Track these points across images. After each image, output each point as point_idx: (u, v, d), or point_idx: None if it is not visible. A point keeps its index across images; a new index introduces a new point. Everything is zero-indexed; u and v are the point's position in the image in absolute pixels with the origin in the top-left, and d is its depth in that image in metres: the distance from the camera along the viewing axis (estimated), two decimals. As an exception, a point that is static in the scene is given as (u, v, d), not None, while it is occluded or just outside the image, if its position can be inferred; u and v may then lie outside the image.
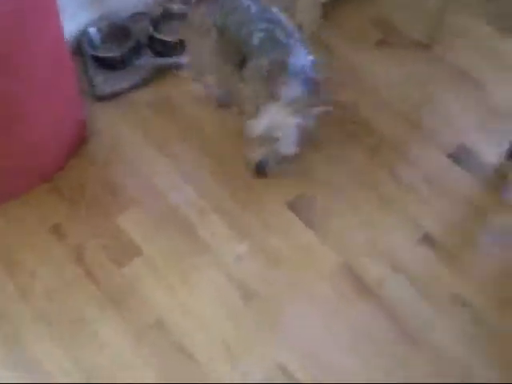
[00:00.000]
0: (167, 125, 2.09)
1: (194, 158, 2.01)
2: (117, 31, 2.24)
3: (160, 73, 2.20)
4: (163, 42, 2.20)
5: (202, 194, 1.93)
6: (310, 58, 1.78)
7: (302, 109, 1.77)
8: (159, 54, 2.21)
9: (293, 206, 1.91)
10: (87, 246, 1.83)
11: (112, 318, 1.70)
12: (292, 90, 1.72)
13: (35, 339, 1.67)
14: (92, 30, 2.22)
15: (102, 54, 2.19)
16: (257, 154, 1.92)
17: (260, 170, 1.96)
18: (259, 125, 1.77)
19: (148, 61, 2.19)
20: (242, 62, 1.82)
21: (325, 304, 1.74)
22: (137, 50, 2.21)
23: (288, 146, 1.85)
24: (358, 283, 1.77)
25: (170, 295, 1.74)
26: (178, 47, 2.17)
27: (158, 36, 2.20)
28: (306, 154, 1.99)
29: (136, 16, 2.29)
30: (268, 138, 1.82)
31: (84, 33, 2.21)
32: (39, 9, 1.65)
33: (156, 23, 2.22)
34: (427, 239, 1.85)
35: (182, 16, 2.09)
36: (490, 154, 2.01)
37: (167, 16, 2.26)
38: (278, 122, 1.77)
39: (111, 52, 2.19)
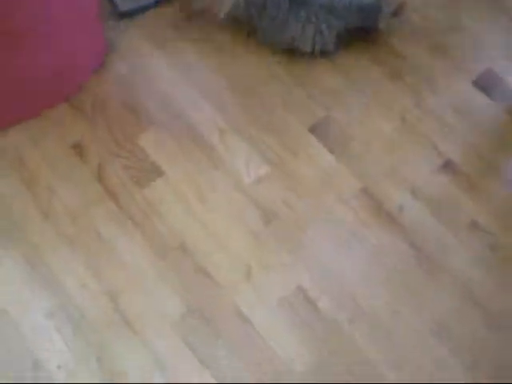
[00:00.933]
0: (188, 44, 2.06)
1: (215, 78, 1.99)
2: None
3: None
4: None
5: (223, 114, 1.92)
6: None
7: None
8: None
9: (314, 130, 1.89)
10: (108, 165, 1.83)
11: (133, 238, 1.72)
12: None
13: (56, 257, 1.69)
14: None
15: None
16: None
17: None
18: None
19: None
20: None
21: (344, 228, 1.75)
22: None
23: None
24: (378, 208, 1.77)
25: (191, 216, 1.75)
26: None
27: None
28: (328, 76, 1.98)
29: None
30: None
31: None
32: None
33: None
34: (449, 166, 1.84)
35: None
36: (517, 82, 1.98)
37: None
38: None
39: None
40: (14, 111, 1.90)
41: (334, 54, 2.01)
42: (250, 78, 1.99)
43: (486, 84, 1.97)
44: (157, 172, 1.82)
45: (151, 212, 1.76)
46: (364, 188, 1.80)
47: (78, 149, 1.86)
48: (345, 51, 2.02)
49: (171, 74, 1.99)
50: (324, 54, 2.00)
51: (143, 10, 2.10)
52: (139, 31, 2.08)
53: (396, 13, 1.97)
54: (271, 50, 2.03)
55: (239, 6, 1.95)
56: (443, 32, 2.07)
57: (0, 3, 1.59)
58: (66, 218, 1.75)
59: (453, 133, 1.89)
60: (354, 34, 1.98)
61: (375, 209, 1.77)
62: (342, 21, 1.93)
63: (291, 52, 2.01)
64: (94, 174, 1.82)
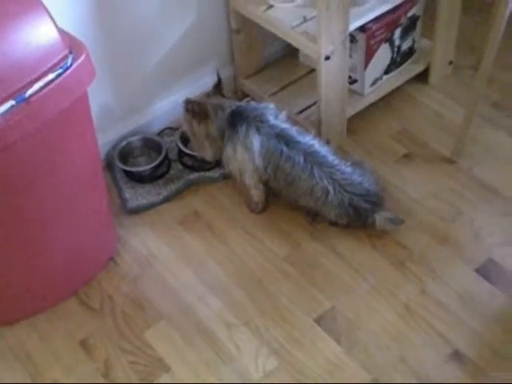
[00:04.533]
0: (196, 241, 2.13)
1: (222, 271, 2.03)
2: (147, 145, 2.31)
3: (191, 186, 2.25)
4: (192, 157, 2.25)
5: (231, 308, 1.94)
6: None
7: None
8: (190, 168, 2.27)
9: (319, 320, 1.90)
10: (115, 362, 1.83)
11: None
12: None
13: None
14: (123, 144, 2.28)
15: (132, 168, 2.25)
16: None
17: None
18: None
19: (178, 175, 2.25)
20: None
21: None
22: (167, 164, 2.27)
23: None
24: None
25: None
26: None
27: (187, 151, 2.26)
28: (329, 263, 2.02)
29: (166, 131, 2.37)
30: None
31: (115, 147, 2.28)
32: (75, 130, 1.72)
33: (185, 139, 2.27)
34: (456, 356, 1.82)
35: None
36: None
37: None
38: None
39: (141, 166, 2.26)
40: (23, 306, 1.93)
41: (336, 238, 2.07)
42: (256, 269, 2.03)
43: (488, 272, 1.99)
44: (163, 368, 1.81)
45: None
46: (374, 379, 1.78)
47: (86, 345, 1.87)
48: (344, 237, 2.08)
49: (179, 269, 2.04)
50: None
51: (151, 206, 2.19)
52: (147, 227, 2.15)
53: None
54: (277, 237, 2.10)
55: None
56: (444, 221, 2.13)
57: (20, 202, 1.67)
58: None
59: (458, 321, 1.89)
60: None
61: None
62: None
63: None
64: (100, 370, 1.82)
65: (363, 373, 1.79)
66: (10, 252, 1.77)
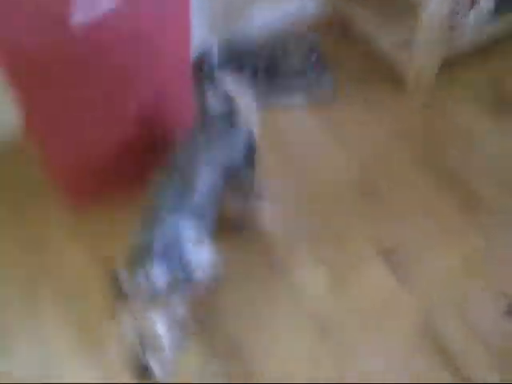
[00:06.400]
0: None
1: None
2: (235, 56, 2.30)
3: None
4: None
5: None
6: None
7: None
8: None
9: (381, 252, 1.90)
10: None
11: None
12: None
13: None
14: (213, 51, 2.27)
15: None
16: None
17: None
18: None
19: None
20: None
21: (396, 356, 1.73)
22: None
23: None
24: (435, 344, 1.74)
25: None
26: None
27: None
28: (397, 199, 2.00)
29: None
30: None
31: (204, 53, 2.27)
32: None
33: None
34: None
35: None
36: None
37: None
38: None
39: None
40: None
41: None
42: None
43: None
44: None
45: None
46: (424, 321, 1.78)
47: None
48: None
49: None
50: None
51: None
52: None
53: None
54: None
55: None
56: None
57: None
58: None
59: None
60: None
61: (432, 344, 1.74)
62: None
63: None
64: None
65: (415, 310, 1.79)
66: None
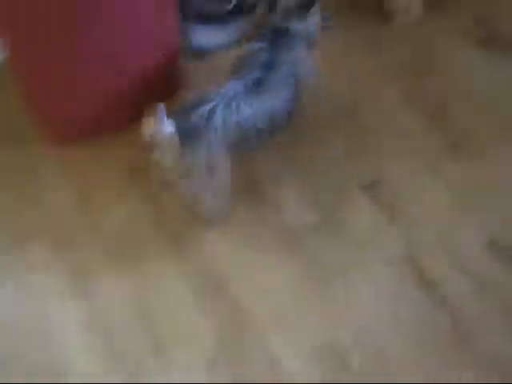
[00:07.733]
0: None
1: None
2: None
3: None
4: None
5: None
6: None
7: None
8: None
9: (365, 188, 1.91)
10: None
11: (172, 261, 1.77)
12: None
13: (101, 273, 1.75)
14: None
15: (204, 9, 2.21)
16: None
17: None
18: None
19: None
20: None
21: (383, 288, 1.75)
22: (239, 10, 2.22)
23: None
24: (421, 275, 1.76)
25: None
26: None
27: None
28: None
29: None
30: None
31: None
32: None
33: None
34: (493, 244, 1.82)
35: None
36: None
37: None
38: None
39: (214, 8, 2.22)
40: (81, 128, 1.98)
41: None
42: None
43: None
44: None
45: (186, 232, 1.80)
46: (409, 254, 1.80)
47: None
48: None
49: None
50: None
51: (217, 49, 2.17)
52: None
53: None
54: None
55: None
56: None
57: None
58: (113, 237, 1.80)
59: (500, 211, 1.88)
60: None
61: (418, 275, 1.77)
62: None
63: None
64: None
65: (400, 244, 1.81)
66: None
